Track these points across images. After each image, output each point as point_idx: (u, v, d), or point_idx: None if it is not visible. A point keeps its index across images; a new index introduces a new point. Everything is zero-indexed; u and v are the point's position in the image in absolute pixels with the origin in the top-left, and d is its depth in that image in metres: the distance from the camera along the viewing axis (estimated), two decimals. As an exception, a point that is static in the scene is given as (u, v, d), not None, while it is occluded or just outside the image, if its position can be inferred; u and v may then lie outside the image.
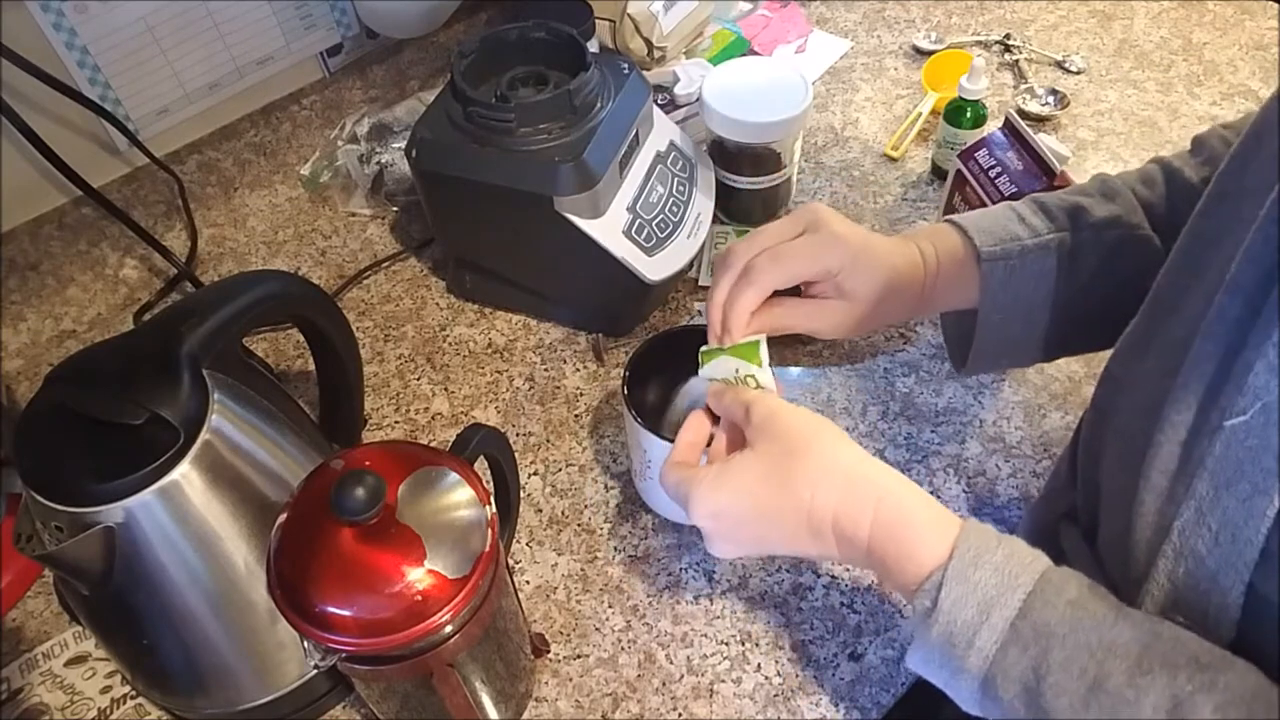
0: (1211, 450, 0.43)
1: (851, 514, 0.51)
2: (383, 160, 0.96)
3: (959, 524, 0.50)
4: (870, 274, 0.63)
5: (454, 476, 0.51)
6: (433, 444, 0.70)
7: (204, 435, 0.54)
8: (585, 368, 0.83)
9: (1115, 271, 0.62)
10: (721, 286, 0.62)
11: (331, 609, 0.46)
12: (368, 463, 0.49)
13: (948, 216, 0.66)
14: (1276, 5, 1.10)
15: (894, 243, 0.65)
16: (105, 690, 0.66)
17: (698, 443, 0.60)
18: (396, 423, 0.80)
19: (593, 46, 0.96)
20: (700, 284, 0.87)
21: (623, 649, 0.66)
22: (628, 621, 0.67)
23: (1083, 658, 0.43)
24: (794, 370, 0.81)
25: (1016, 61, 1.07)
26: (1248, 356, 0.42)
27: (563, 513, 0.73)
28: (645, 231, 0.79)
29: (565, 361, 0.83)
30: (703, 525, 0.55)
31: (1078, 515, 0.59)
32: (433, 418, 0.80)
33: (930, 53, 1.08)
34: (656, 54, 1.02)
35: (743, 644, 0.66)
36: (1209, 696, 0.40)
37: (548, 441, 0.78)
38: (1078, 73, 1.05)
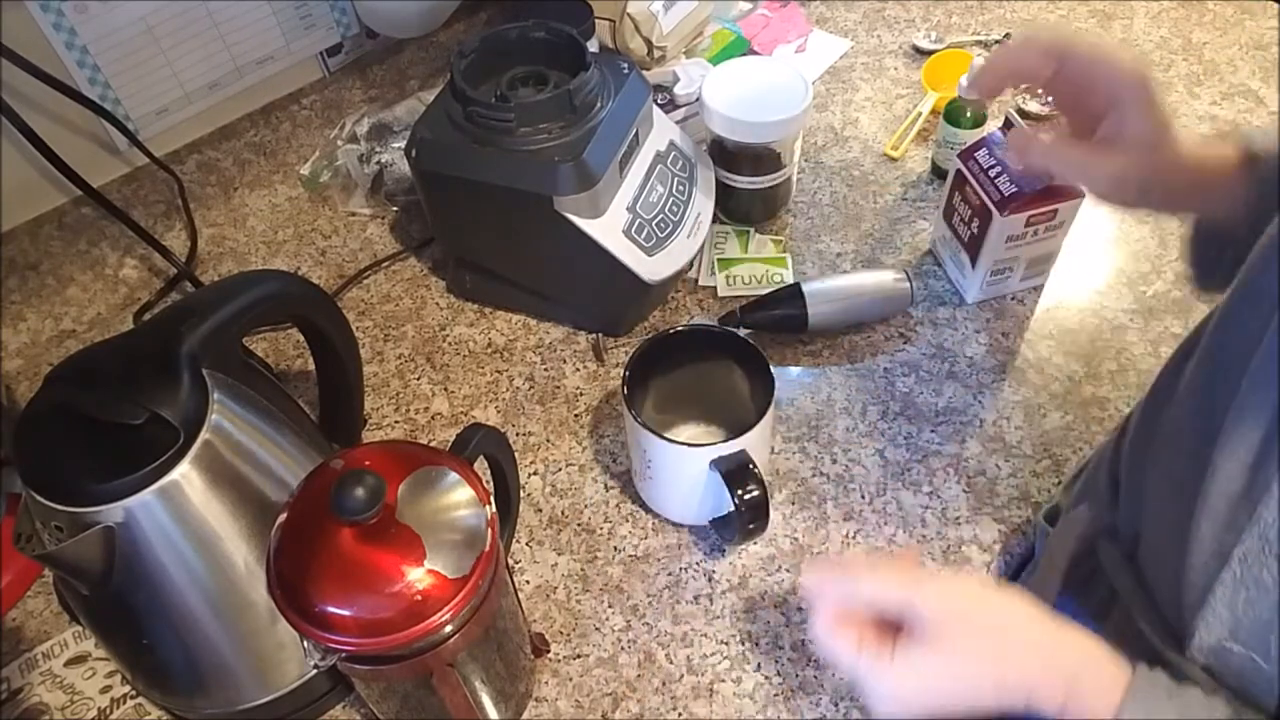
0: (1279, 474, 0.41)
1: (1049, 686, 0.46)
2: (383, 160, 0.96)
3: (1126, 681, 0.45)
4: (1153, 110, 0.56)
5: (454, 476, 0.51)
6: (433, 444, 0.70)
7: (204, 435, 0.54)
8: (585, 368, 0.83)
9: None
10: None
11: (331, 609, 0.46)
12: (368, 463, 0.49)
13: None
14: (1276, 5, 1.10)
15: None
16: (105, 690, 0.66)
17: (853, 606, 0.50)
18: (396, 423, 0.80)
19: (593, 46, 0.96)
20: (700, 284, 0.87)
21: (623, 649, 0.66)
22: (628, 621, 0.67)
23: None
24: (794, 370, 0.81)
25: (1016, 61, 1.07)
26: None
27: (563, 513, 0.73)
28: (645, 231, 0.79)
29: (565, 361, 0.83)
30: (889, 709, 0.48)
31: (1118, 533, 0.58)
32: (433, 418, 0.80)
33: (930, 52, 1.08)
34: (656, 54, 1.02)
35: (743, 644, 0.66)
36: None
37: (548, 441, 0.78)
38: (1078, 72, 1.05)
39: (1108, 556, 0.57)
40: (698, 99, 0.88)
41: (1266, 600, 0.42)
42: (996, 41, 1.09)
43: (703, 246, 0.86)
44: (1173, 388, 0.53)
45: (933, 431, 0.76)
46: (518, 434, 0.78)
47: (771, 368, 0.67)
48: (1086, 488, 0.66)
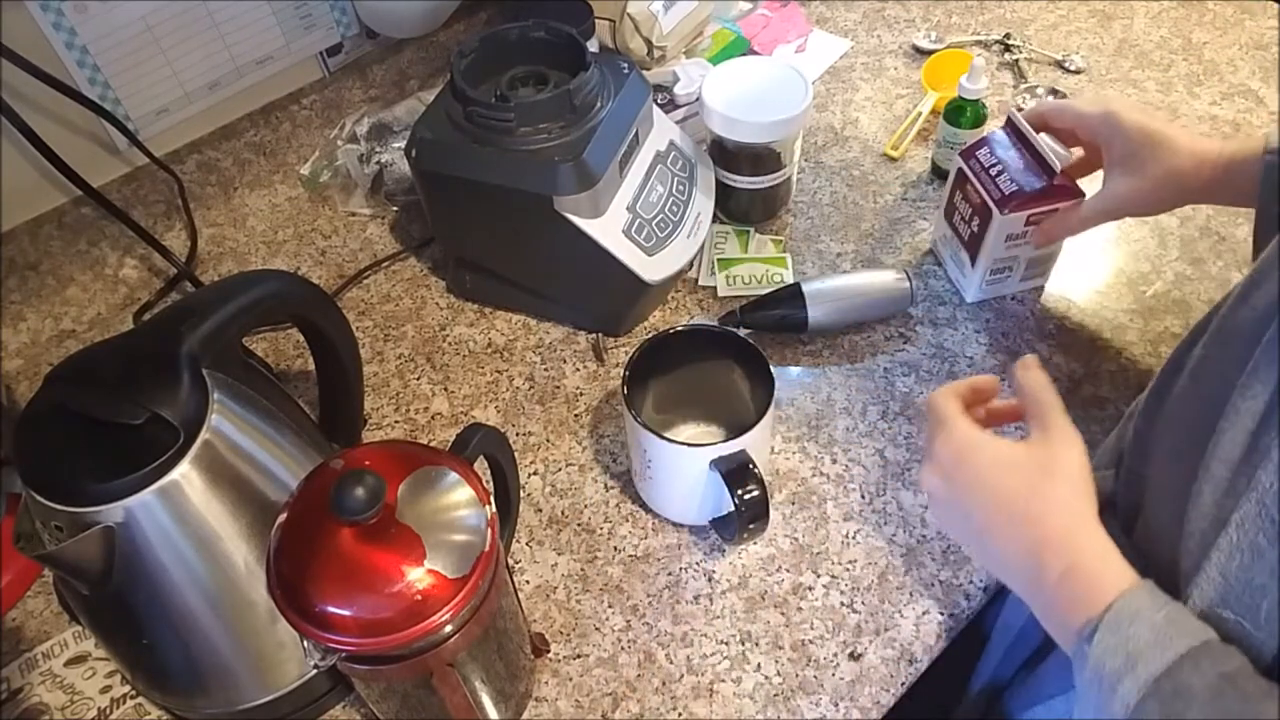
0: (1278, 440, 0.42)
1: (1060, 551, 0.50)
2: (383, 160, 0.96)
3: (1133, 581, 0.48)
4: (1128, 133, 0.67)
5: (454, 476, 0.51)
6: (433, 444, 0.70)
7: (204, 435, 0.54)
8: (585, 368, 0.83)
9: None
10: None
11: (331, 609, 0.46)
12: (368, 462, 0.49)
13: None
14: (1276, 5, 1.10)
15: (1189, 133, 0.68)
16: (105, 690, 0.66)
17: (983, 392, 0.60)
18: (396, 423, 0.80)
19: (593, 46, 0.96)
20: (700, 284, 0.87)
21: (623, 649, 0.66)
22: (628, 621, 0.68)
23: None
24: (794, 370, 0.81)
25: (1016, 61, 1.07)
26: None
27: (563, 513, 0.73)
28: (645, 231, 0.79)
29: (565, 361, 0.83)
30: (938, 464, 0.56)
31: (1116, 507, 0.59)
32: (433, 418, 0.80)
33: (930, 52, 1.08)
34: (656, 54, 1.02)
35: (743, 644, 0.66)
36: None
37: (548, 441, 0.78)
38: (1077, 72, 1.05)
39: (1107, 529, 0.58)
40: (698, 99, 0.88)
41: (1260, 564, 0.43)
42: (996, 41, 1.09)
43: (703, 246, 0.86)
44: (1182, 364, 0.54)
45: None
46: (518, 434, 0.78)
47: (771, 368, 0.67)
48: (1097, 463, 0.67)
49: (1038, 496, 0.51)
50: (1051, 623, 0.50)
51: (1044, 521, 0.50)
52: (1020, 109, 1.00)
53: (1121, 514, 0.59)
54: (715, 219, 0.89)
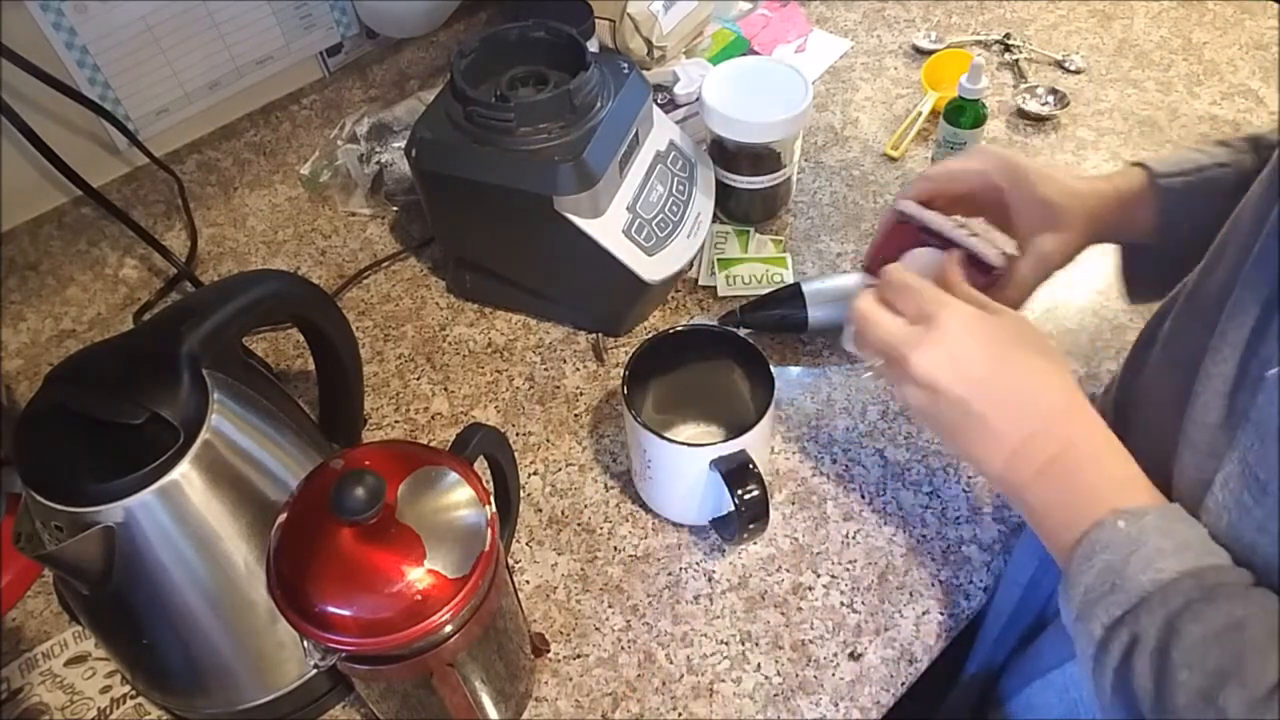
0: (1254, 401, 0.43)
1: (1084, 434, 0.50)
2: (383, 160, 0.96)
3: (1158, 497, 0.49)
4: (1029, 183, 0.63)
5: (454, 476, 0.51)
6: (433, 444, 0.70)
7: (204, 435, 0.54)
8: (585, 368, 0.83)
9: None
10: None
11: (331, 609, 0.46)
12: (368, 462, 0.49)
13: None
14: (1276, 5, 1.10)
15: (1074, 176, 0.65)
16: (105, 690, 0.67)
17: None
18: (396, 422, 0.80)
19: (593, 46, 0.96)
20: (700, 284, 0.87)
21: (623, 649, 0.66)
22: (628, 621, 0.68)
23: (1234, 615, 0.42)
24: (794, 370, 0.81)
25: (1016, 61, 1.07)
26: None
27: (563, 513, 0.73)
28: (645, 231, 0.79)
29: (565, 361, 0.83)
30: (940, 346, 0.52)
31: None
32: (433, 417, 0.80)
33: (930, 52, 1.08)
34: (656, 53, 1.02)
35: (743, 644, 0.66)
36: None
37: (548, 441, 0.78)
38: (1077, 72, 1.05)
39: None
40: (698, 99, 0.88)
41: (1247, 521, 0.43)
42: (996, 41, 1.09)
43: (703, 246, 0.86)
44: (1154, 338, 0.56)
45: (933, 431, 0.76)
46: (518, 434, 0.78)
47: (771, 368, 0.67)
48: None
49: (1044, 369, 0.52)
50: (1061, 504, 0.49)
51: (1061, 398, 0.51)
52: (1021, 110, 1.00)
53: None
54: (715, 219, 0.89)
